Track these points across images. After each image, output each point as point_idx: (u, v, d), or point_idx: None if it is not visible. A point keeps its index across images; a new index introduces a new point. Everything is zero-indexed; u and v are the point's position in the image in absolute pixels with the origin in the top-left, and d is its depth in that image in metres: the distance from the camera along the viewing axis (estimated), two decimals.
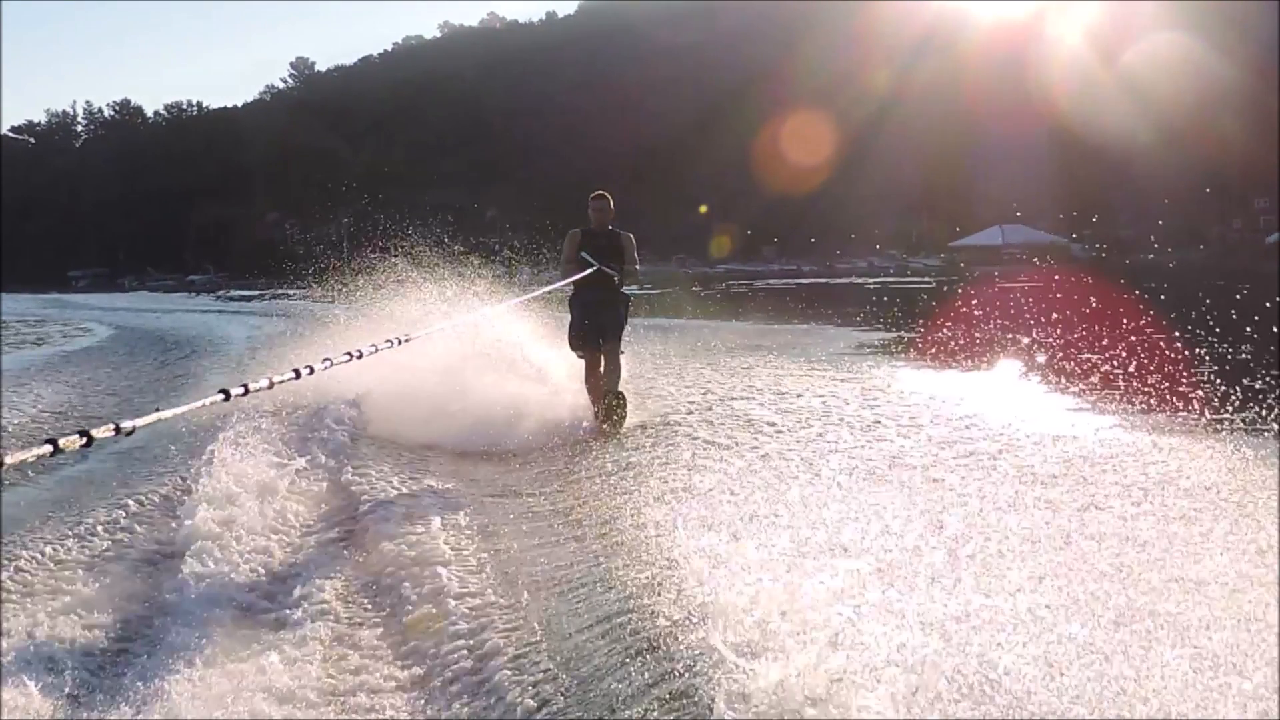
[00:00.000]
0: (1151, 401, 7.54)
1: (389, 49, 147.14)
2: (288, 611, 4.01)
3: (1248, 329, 9.69)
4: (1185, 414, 6.97)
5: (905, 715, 2.55)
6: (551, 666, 3.31)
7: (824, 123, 75.73)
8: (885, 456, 6.15)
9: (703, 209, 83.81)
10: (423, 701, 3.27)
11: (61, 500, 5.97)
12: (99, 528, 5.22)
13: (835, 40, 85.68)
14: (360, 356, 3.87)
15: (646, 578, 3.89)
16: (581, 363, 8.19)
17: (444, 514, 5.29)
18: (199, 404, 2.89)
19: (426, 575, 4.29)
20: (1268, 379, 6.99)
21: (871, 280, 46.85)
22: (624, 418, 7.76)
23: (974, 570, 3.41)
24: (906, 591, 3.18)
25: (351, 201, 53.79)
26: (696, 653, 3.06)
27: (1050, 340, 12.58)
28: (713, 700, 2.76)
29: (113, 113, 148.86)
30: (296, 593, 4.22)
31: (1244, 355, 9.79)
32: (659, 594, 3.67)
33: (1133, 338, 10.19)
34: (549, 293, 8.38)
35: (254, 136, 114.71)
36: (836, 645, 2.86)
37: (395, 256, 11.62)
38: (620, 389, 7.91)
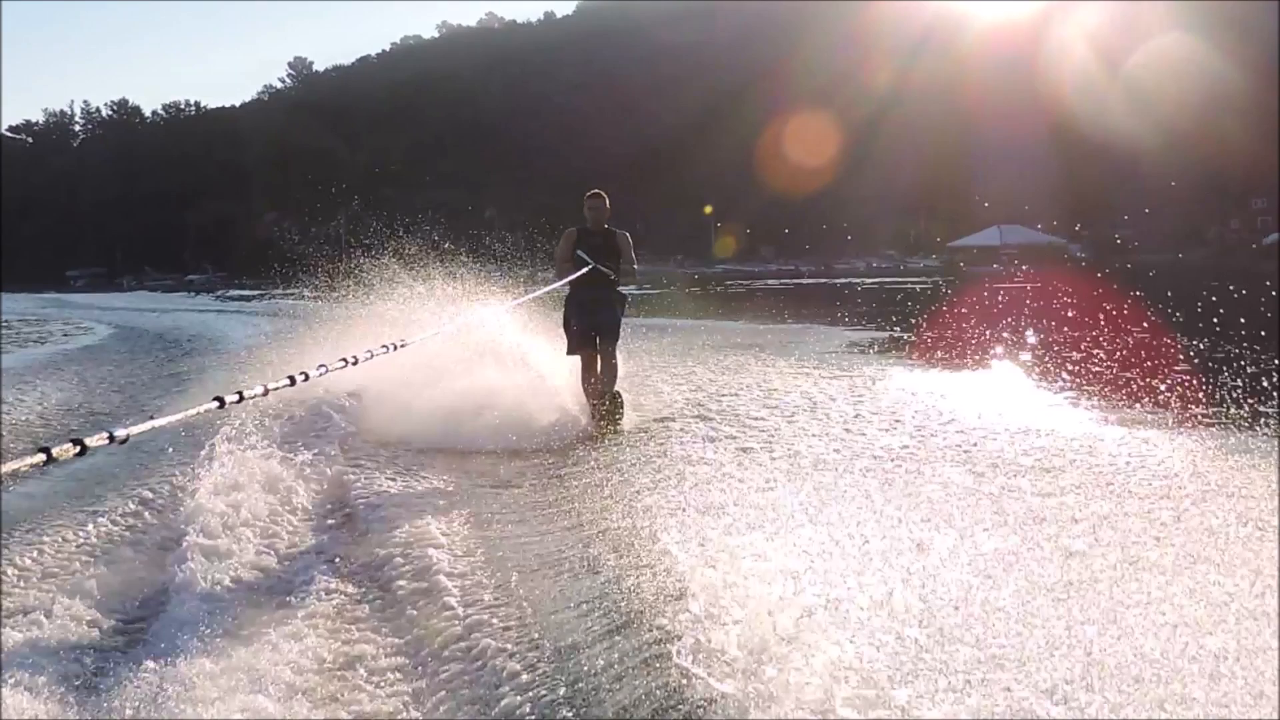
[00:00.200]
0: (1129, 398, 7.79)
1: (387, 49, 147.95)
2: (291, 596, 4.23)
3: (1232, 332, 9.89)
4: (1162, 410, 7.25)
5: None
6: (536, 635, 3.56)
7: (823, 123, 75.93)
8: (864, 448, 6.40)
9: (708, 209, 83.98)
10: (417, 669, 3.50)
11: (68, 493, 6.19)
12: (105, 518, 5.44)
13: (835, 40, 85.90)
14: (356, 363, 3.90)
15: (629, 561, 4.13)
16: (579, 362, 8.13)
17: (439, 503, 5.53)
18: (194, 411, 2.90)
19: (419, 556, 4.53)
20: (1244, 378, 7.24)
21: (869, 280, 47.06)
22: (621, 418, 7.76)
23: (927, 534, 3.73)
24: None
25: (349, 201, 53.91)
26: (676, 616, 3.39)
27: (1037, 339, 12.81)
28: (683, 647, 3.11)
29: (111, 112, 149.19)
30: (299, 575, 4.46)
31: (1230, 352, 9.99)
32: (642, 575, 3.92)
33: (1120, 337, 10.40)
34: (547, 293, 8.38)
35: (252, 136, 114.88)
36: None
37: (394, 257, 11.76)
38: (616, 389, 7.94)
